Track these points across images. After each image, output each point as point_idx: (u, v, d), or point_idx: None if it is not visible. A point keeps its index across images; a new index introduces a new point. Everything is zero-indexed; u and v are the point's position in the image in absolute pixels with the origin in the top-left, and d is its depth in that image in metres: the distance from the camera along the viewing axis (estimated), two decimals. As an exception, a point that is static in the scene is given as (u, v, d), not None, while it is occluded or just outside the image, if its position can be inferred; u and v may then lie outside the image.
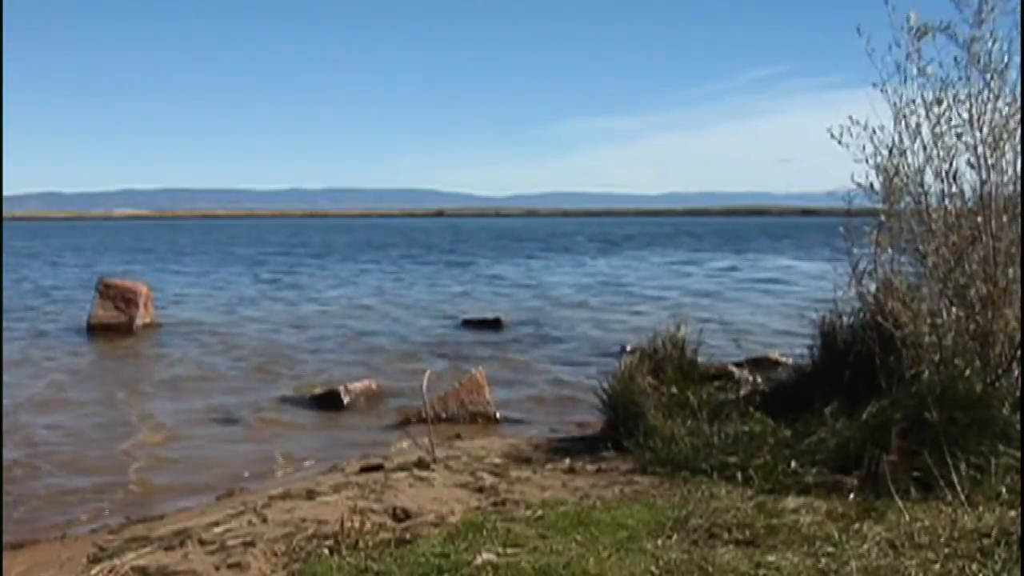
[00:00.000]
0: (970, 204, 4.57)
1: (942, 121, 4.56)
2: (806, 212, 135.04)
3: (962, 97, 4.51)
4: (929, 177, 4.65)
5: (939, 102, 4.56)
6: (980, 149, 4.50)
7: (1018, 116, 4.46)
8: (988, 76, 4.47)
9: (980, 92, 4.48)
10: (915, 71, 4.58)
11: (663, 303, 14.69)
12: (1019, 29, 4.39)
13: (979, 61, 4.46)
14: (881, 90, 4.61)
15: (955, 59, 4.52)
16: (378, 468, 4.95)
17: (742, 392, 5.76)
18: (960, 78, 4.52)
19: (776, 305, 14.25)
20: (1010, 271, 4.39)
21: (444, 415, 6.58)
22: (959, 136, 4.54)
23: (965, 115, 4.52)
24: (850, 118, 4.63)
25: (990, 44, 4.44)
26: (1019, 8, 4.39)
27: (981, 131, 4.49)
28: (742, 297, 15.92)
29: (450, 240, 50.81)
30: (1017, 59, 4.45)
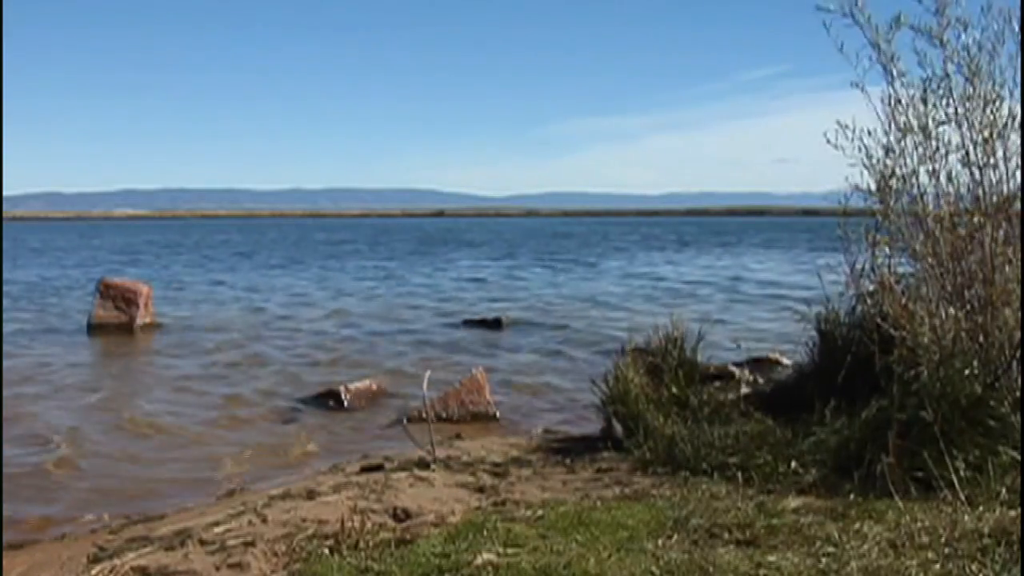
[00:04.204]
0: (966, 204, 4.57)
1: (930, 120, 4.56)
2: (806, 212, 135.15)
3: (944, 95, 4.50)
4: (924, 177, 4.66)
5: (924, 101, 4.56)
6: (971, 148, 4.49)
7: (1005, 112, 4.45)
8: (967, 72, 4.46)
9: (965, 89, 4.48)
10: (896, 71, 4.59)
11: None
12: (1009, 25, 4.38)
13: (955, 56, 4.45)
14: (862, 89, 4.62)
15: (920, 53, 4.51)
16: (378, 468, 4.96)
17: (742, 392, 5.77)
18: (936, 74, 4.52)
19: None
20: (1007, 271, 4.39)
21: (444, 415, 6.58)
22: (942, 135, 4.54)
23: (951, 112, 4.51)
24: (838, 122, 4.63)
25: (963, 35, 4.43)
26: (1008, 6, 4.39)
27: (971, 130, 4.48)
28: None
29: (506, 240, 49.67)
30: (1000, 50, 4.43)
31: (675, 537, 3.34)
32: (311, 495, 4.30)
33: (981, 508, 3.44)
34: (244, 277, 22.29)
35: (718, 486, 4.06)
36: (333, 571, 3.13)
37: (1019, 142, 4.44)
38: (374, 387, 7.58)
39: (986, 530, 3.16)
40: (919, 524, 3.28)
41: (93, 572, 3.34)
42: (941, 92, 4.51)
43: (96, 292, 12.21)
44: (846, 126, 4.63)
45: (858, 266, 4.91)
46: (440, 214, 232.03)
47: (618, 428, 5.06)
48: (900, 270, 4.83)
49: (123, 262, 29.79)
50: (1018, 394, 4.00)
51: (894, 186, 4.70)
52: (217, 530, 3.72)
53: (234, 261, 29.99)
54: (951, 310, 4.44)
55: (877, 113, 4.67)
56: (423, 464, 4.89)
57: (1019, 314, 4.28)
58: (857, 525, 3.35)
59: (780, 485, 4.00)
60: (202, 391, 7.95)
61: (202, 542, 3.57)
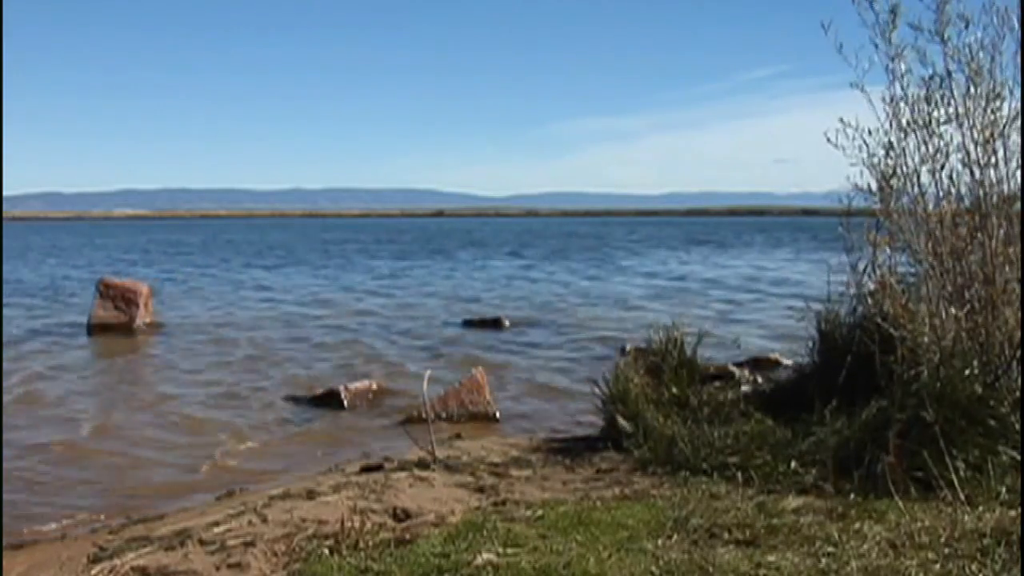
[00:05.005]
0: (966, 204, 4.57)
1: (931, 120, 4.56)
2: (806, 212, 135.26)
3: (947, 95, 4.50)
4: (925, 177, 4.66)
5: (927, 100, 4.56)
6: (971, 148, 4.49)
7: (1005, 112, 4.45)
8: (969, 72, 4.46)
9: (966, 89, 4.48)
10: (901, 68, 4.59)
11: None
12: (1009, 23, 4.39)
13: (956, 55, 4.45)
14: (861, 89, 4.62)
15: (920, 51, 4.51)
16: (378, 468, 4.96)
17: (742, 392, 5.76)
18: (937, 74, 4.51)
19: None
20: (1008, 270, 4.39)
21: (444, 415, 6.58)
22: (943, 135, 4.53)
23: (952, 112, 4.51)
24: (840, 120, 4.63)
25: (964, 33, 4.42)
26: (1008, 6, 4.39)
27: (972, 130, 4.48)
28: None
29: (516, 240, 48.60)
30: (1002, 48, 4.43)
31: (675, 537, 3.34)
32: (311, 495, 4.30)
33: (981, 508, 3.44)
34: (250, 276, 22.30)
35: (718, 486, 4.06)
36: (333, 571, 3.12)
37: (1019, 142, 4.44)
38: (374, 387, 7.58)
39: (986, 530, 3.16)
40: (919, 524, 3.28)
41: (93, 572, 3.34)
42: (943, 91, 4.51)
43: (96, 292, 12.19)
44: (848, 124, 4.63)
45: (859, 266, 4.91)
46: (440, 214, 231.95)
47: (624, 425, 5.04)
48: (901, 270, 4.83)
49: (132, 261, 29.86)
50: (1018, 394, 3.99)
51: (895, 186, 4.70)
52: (217, 530, 3.72)
53: (241, 261, 29.95)
54: (952, 310, 4.44)
55: (876, 113, 4.68)
56: (423, 464, 4.89)
57: (1019, 314, 4.28)
58: (857, 525, 3.35)
59: (780, 485, 4.00)
60: (200, 391, 7.94)
61: (202, 542, 3.56)
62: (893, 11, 4.51)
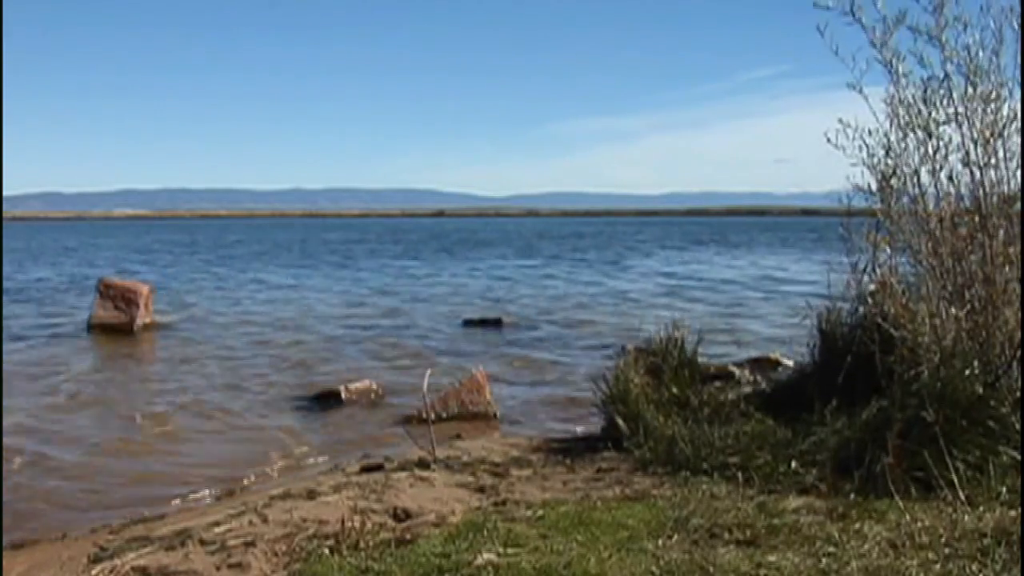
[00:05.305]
0: (966, 204, 4.57)
1: (931, 121, 4.56)
2: (807, 212, 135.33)
3: (945, 95, 4.50)
4: (925, 177, 4.66)
5: (926, 101, 4.56)
6: (971, 148, 4.49)
7: (1005, 112, 4.45)
8: (968, 72, 4.46)
9: (966, 89, 4.48)
10: (900, 70, 4.59)
11: None
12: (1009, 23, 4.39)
13: (954, 56, 4.45)
14: (859, 91, 4.62)
15: (917, 53, 4.51)
16: (379, 468, 4.96)
17: (742, 392, 5.77)
18: (934, 75, 4.52)
19: None
20: (1008, 271, 4.39)
21: (444, 415, 6.58)
22: (943, 135, 4.53)
23: (952, 112, 4.51)
24: (840, 120, 4.63)
25: (963, 35, 4.42)
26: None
27: (972, 131, 4.48)
28: None
29: (521, 241, 48.31)
30: (1001, 49, 4.43)
31: (675, 537, 3.34)
32: (311, 495, 4.30)
33: (981, 508, 3.44)
34: (268, 276, 22.27)
35: (718, 486, 4.06)
36: (333, 571, 3.13)
37: (1019, 142, 4.44)
38: (374, 387, 7.58)
39: (986, 530, 3.16)
40: (919, 524, 3.28)
41: (93, 572, 3.34)
42: (942, 92, 4.52)
43: (96, 292, 12.19)
44: (848, 125, 4.63)
45: (859, 266, 4.91)
46: (440, 214, 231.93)
47: (623, 426, 5.03)
48: (901, 270, 4.83)
49: (145, 261, 29.93)
50: (1018, 394, 3.99)
51: (895, 186, 4.70)
52: (217, 530, 3.72)
53: (255, 261, 29.90)
54: (952, 310, 4.44)
55: (874, 113, 4.68)
56: (423, 464, 4.89)
57: (1020, 314, 4.28)
58: (857, 525, 3.35)
59: (780, 485, 4.00)
60: (200, 391, 7.95)
61: (202, 542, 3.57)
62: (886, 17, 4.51)
